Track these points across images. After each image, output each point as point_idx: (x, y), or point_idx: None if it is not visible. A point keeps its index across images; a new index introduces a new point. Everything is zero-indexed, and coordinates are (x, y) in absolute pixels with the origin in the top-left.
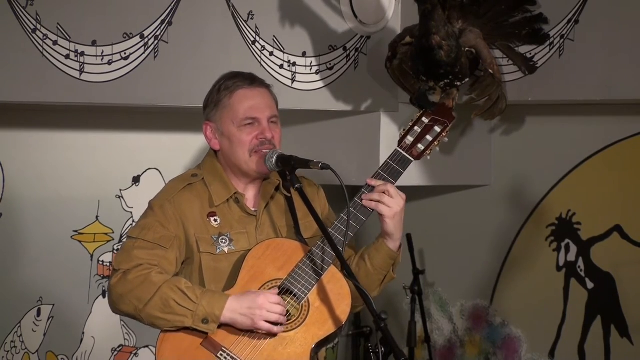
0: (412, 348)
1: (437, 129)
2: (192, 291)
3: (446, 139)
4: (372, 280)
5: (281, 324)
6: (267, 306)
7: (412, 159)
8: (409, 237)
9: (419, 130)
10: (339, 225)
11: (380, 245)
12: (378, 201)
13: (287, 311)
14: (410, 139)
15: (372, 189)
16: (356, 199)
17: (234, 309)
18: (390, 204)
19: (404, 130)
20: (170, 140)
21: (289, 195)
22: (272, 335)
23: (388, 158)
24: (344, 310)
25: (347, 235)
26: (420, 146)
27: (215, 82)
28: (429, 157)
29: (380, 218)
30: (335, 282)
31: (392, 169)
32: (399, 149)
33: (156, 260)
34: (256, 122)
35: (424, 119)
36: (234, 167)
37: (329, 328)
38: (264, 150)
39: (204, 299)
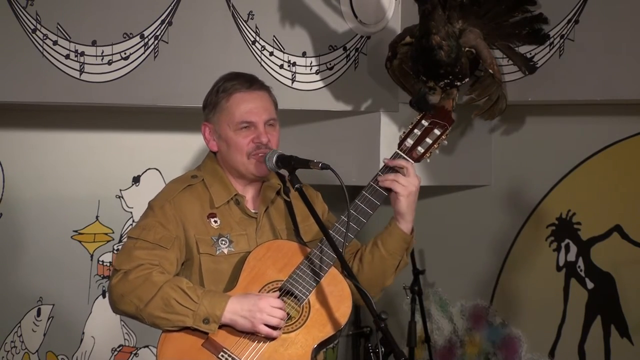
0: (412, 348)
1: (437, 131)
2: (193, 291)
3: (446, 142)
4: (387, 266)
5: (280, 329)
6: (268, 310)
7: (412, 162)
8: None
9: (419, 133)
10: (339, 226)
11: (393, 229)
12: (394, 180)
13: (287, 313)
14: (410, 141)
15: (388, 170)
16: (371, 182)
17: (234, 310)
18: (405, 183)
19: (404, 132)
20: (170, 140)
21: (289, 199)
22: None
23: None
24: (344, 312)
25: (346, 237)
26: (420, 149)
27: (214, 83)
28: (428, 160)
29: (394, 196)
30: (335, 283)
31: (392, 171)
32: (399, 152)
33: (157, 261)
34: (252, 125)
35: (423, 121)
36: (232, 169)
37: (329, 330)
38: (260, 154)
39: (205, 299)
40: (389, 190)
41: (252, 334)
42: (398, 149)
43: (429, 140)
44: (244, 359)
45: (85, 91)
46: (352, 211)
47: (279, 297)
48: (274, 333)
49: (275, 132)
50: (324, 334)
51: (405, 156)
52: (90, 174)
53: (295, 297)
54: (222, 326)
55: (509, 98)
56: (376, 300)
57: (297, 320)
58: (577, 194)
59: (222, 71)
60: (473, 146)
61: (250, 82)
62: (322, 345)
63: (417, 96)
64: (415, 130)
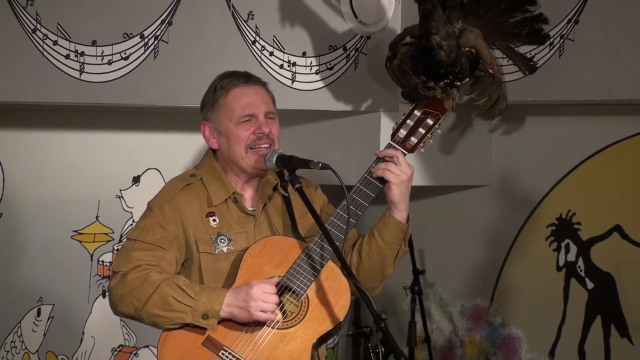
0: (412, 348)
1: (430, 121)
2: (190, 288)
3: (439, 131)
4: (386, 256)
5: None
6: (262, 296)
7: (406, 152)
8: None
9: (412, 124)
10: (335, 221)
11: (388, 219)
12: (385, 169)
13: (284, 308)
14: (403, 132)
15: (381, 161)
16: (365, 174)
17: (231, 303)
18: (396, 171)
19: (397, 123)
20: (170, 140)
21: (287, 194)
22: (273, 332)
23: None
24: (343, 305)
25: (347, 234)
26: (414, 139)
27: (211, 83)
28: (422, 150)
29: (386, 186)
30: (333, 277)
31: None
32: (392, 143)
33: (155, 261)
34: (253, 118)
35: (416, 112)
36: (232, 165)
37: (329, 324)
38: (263, 146)
39: (203, 295)
40: (382, 181)
41: (251, 331)
42: (391, 140)
43: (422, 130)
44: (244, 356)
45: (85, 91)
46: (340, 211)
47: (276, 293)
48: (271, 316)
49: (275, 124)
50: (324, 327)
51: (398, 147)
52: (90, 174)
53: (294, 292)
54: (222, 324)
55: (509, 98)
56: (379, 292)
57: (296, 316)
58: (577, 194)
59: (222, 71)
60: (473, 146)
61: (246, 78)
62: (322, 339)
63: (408, 87)
64: (408, 121)
